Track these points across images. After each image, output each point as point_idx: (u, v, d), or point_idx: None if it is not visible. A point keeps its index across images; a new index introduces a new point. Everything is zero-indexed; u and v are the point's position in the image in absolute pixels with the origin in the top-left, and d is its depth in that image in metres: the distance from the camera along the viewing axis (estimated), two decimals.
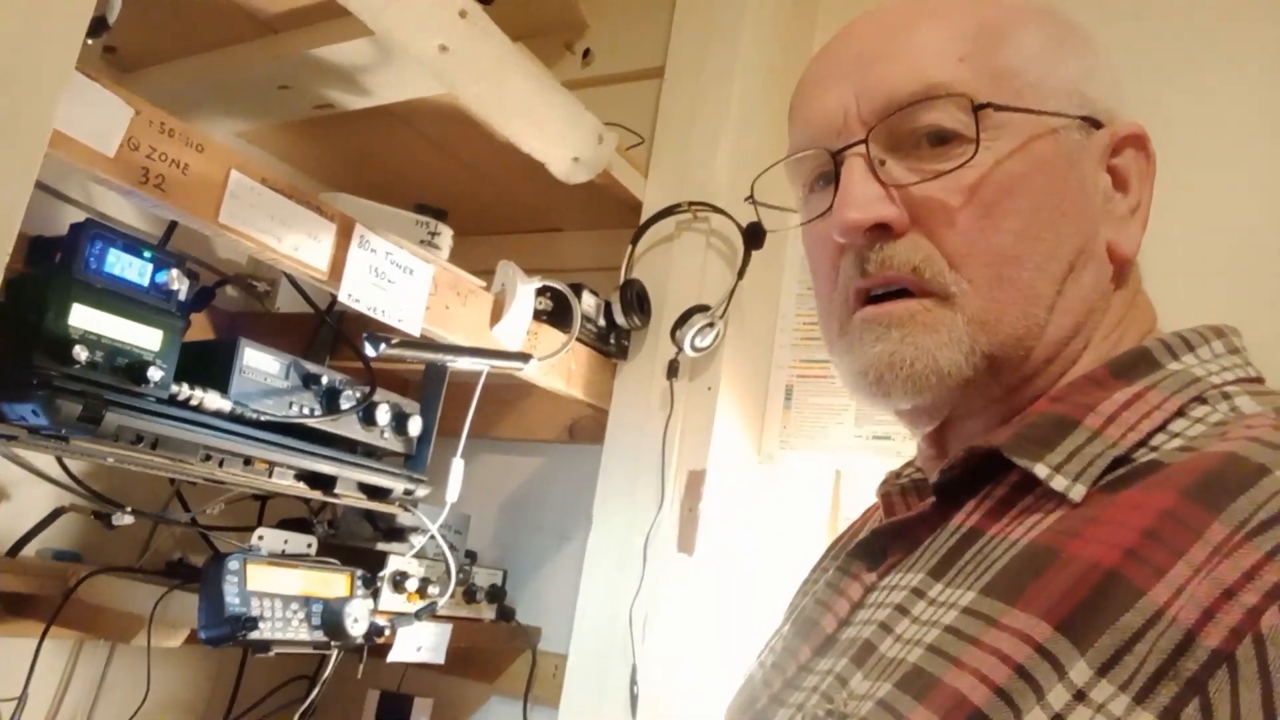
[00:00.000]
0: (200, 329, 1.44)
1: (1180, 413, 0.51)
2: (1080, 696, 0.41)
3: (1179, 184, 0.83)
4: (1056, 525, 0.48)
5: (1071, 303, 0.56)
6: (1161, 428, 0.50)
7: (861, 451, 1.41)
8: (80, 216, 1.01)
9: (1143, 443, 0.50)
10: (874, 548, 0.60)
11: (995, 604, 0.46)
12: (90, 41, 0.77)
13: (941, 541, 0.54)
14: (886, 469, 0.71)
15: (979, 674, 0.44)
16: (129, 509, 1.22)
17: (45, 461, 1.25)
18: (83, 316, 0.87)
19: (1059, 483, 0.49)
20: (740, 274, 1.43)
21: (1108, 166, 0.59)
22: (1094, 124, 0.58)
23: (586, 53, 1.73)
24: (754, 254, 1.43)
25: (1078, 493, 0.49)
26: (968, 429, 0.60)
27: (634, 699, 1.32)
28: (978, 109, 0.54)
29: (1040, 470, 0.50)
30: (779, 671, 0.60)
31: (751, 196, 0.71)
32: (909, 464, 0.69)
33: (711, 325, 1.39)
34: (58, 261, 0.88)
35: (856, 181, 0.56)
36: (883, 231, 0.56)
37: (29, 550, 1.26)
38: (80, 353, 0.84)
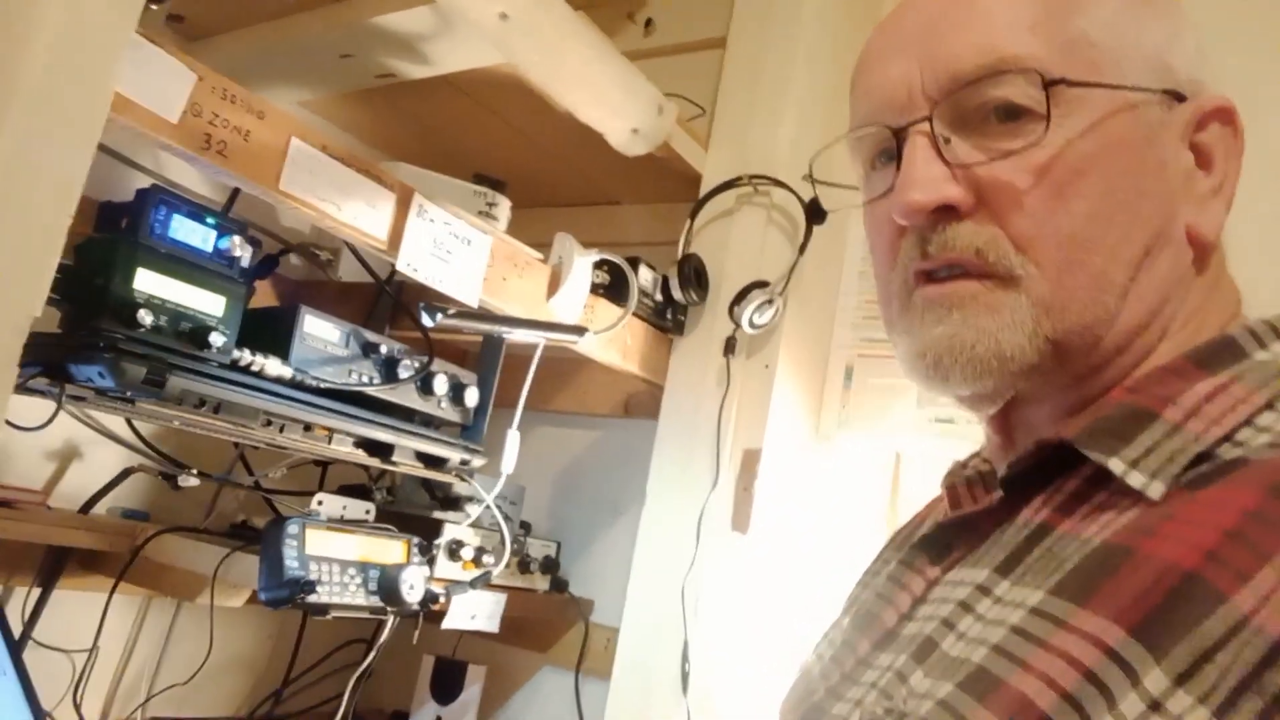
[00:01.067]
0: (265, 296, 1.46)
1: (1270, 406, 0.47)
2: (1156, 707, 0.39)
3: (1270, 159, 0.78)
4: (1132, 524, 0.46)
5: (1146, 289, 0.53)
6: (1248, 422, 0.47)
7: (924, 434, 1.38)
8: (149, 183, 1.03)
9: (1227, 438, 0.47)
10: (939, 541, 0.58)
11: (1065, 604, 0.44)
12: (154, 7, 0.78)
13: (1009, 537, 0.52)
14: (949, 453, 0.68)
15: (1046, 677, 0.42)
16: (195, 471, 1.25)
17: (116, 423, 1.29)
18: (148, 281, 0.88)
19: (1136, 479, 0.47)
20: (801, 250, 1.40)
21: (1190, 143, 0.55)
22: (1177, 97, 0.54)
23: (648, 22, 1.70)
24: (816, 229, 1.40)
25: (1156, 490, 0.46)
26: (1035, 417, 0.57)
27: (685, 676, 1.31)
28: (1050, 84, 0.51)
29: (1115, 465, 0.48)
30: (837, 665, 0.58)
31: (810, 174, 0.69)
32: (975, 454, 0.67)
33: (770, 302, 1.36)
34: (124, 226, 0.89)
35: (920, 161, 0.53)
36: (946, 213, 0.53)
37: (100, 508, 1.30)
38: (145, 317, 0.86)
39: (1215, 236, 0.55)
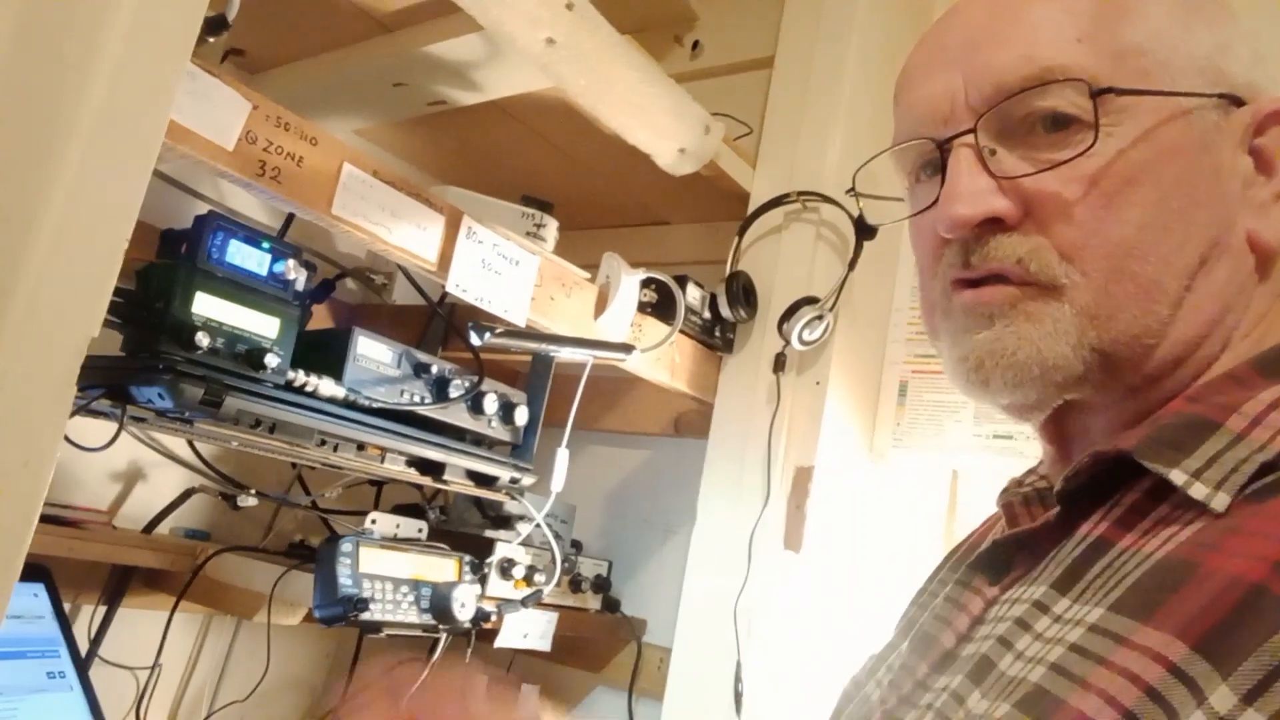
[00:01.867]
0: (321, 320, 1.50)
1: None
2: None
3: None
4: (1195, 537, 0.44)
5: (1203, 299, 0.51)
6: None
7: (981, 452, 1.35)
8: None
9: None
10: (996, 560, 0.56)
11: (1126, 621, 0.42)
12: (212, 40, 0.81)
13: (1067, 552, 0.50)
14: (1008, 470, 0.67)
15: (1106, 695, 0.40)
16: (253, 491, 1.28)
17: (178, 445, 1.32)
18: (205, 304, 0.91)
19: (1199, 491, 0.45)
20: (851, 265, 1.39)
21: (1250, 148, 0.53)
22: (1234, 101, 0.53)
23: (696, 45, 1.71)
24: (866, 245, 1.39)
25: (1220, 502, 0.44)
26: (1091, 429, 0.56)
27: (738, 696, 1.30)
28: (1097, 94, 0.50)
29: (1176, 477, 0.46)
30: (895, 689, 0.57)
31: (854, 189, 0.68)
32: (1031, 470, 0.65)
33: (820, 318, 1.35)
34: (183, 252, 0.92)
35: (964, 173, 0.53)
36: (992, 225, 0.52)
37: (163, 528, 1.34)
38: (202, 339, 0.88)
39: (1277, 242, 0.53)
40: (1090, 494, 0.51)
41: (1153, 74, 0.52)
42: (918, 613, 0.67)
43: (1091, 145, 0.50)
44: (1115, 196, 0.50)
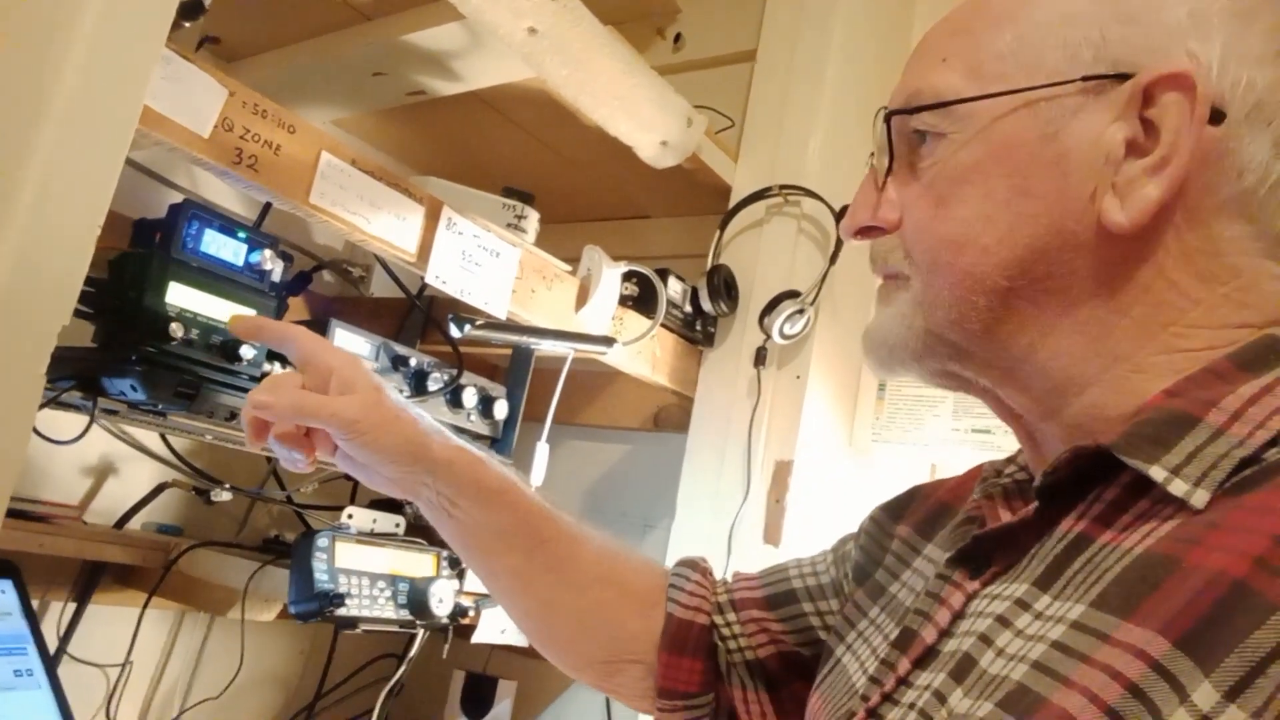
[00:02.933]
0: (298, 312, 1.47)
1: None
2: None
3: None
4: (1176, 533, 0.44)
5: (1045, 290, 0.52)
6: None
7: (959, 445, 1.36)
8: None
9: (1273, 441, 0.45)
10: (976, 553, 0.56)
11: (1107, 618, 0.42)
12: (187, 25, 0.79)
13: (1048, 549, 0.50)
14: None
15: (1088, 693, 0.40)
16: (227, 486, 1.26)
17: (150, 439, 1.30)
18: (179, 295, 0.89)
19: (1178, 487, 0.45)
20: (832, 259, 1.39)
21: (1142, 120, 0.51)
22: (1117, 79, 0.51)
23: (678, 38, 1.71)
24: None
25: (1200, 499, 0.44)
26: (1031, 423, 0.57)
27: None
28: (939, 106, 0.55)
29: (1157, 473, 0.46)
30: (876, 685, 0.57)
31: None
32: (1011, 460, 0.65)
33: (801, 312, 1.35)
34: (157, 241, 0.90)
35: (861, 188, 0.60)
36: (876, 230, 0.59)
37: (134, 523, 1.31)
38: (176, 330, 0.87)
39: (1132, 220, 0.50)
40: (1070, 488, 0.51)
41: (1011, 75, 0.53)
42: (887, 578, 0.67)
43: (941, 154, 0.55)
44: (947, 196, 0.55)
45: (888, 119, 0.58)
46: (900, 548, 0.69)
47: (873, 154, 0.61)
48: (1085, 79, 0.52)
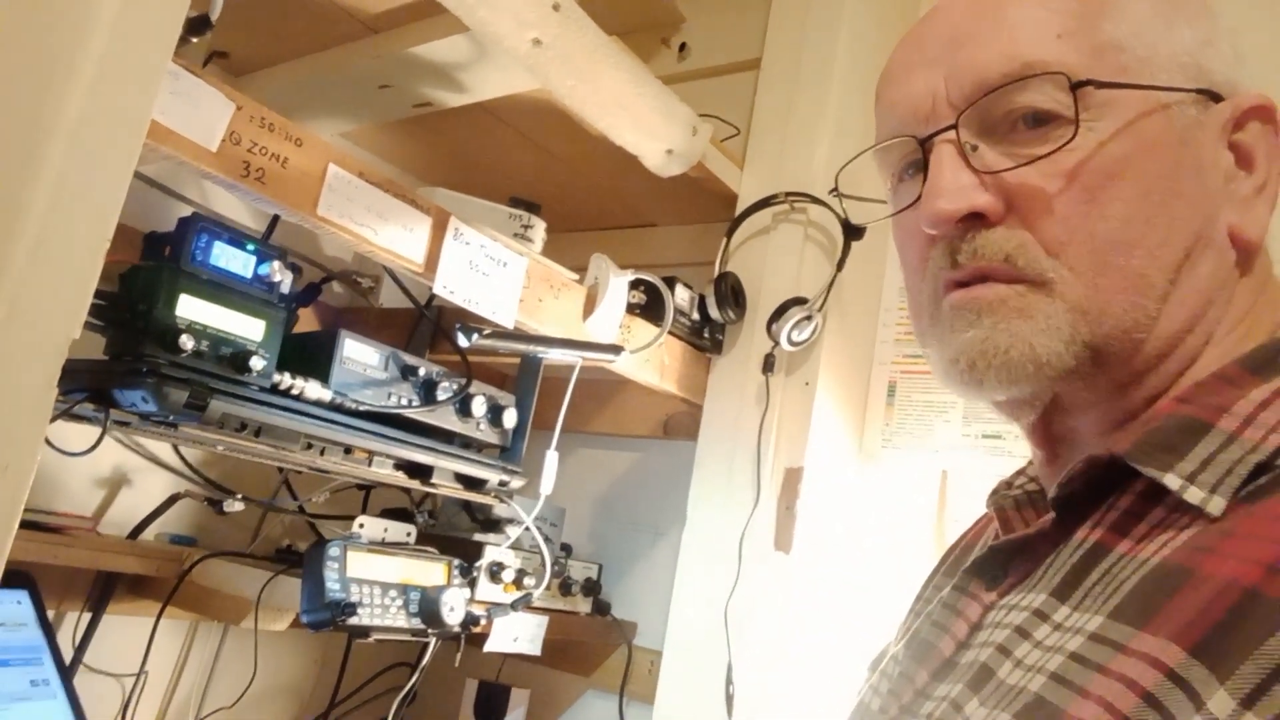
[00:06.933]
0: (308, 323, 1.49)
1: None
2: None
3: None
4: (1191, 541, 0.44)
5: (1186, 293, 0.51)
6: None
7: (970, 451, 1.35)
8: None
9: None
10: (993, 565, 0.56)
11: (1123, 628, 0.42)
12: (195, 40, 0.80)
13: (1064, 559, 0.50)
14: (997, 469, 0.67)
15: (1104, 702, 0.40)
16: (239, 496, 1.27)
17: (163, 451, 1.31)
18: (189, 307, 0.90)
19: (1194, 495, 0.45)
20: (840, 266, 1.39)
21: (1230, 143, 0.53)
22: (1213, 97, 0.53)
23: (683, 47, 1.71)
24: (854, 245, 1.39)
25: (1216, 506, 0.44)
26: (1079, 429, 0.55)
27: (730, 698, 1.30)
28: (1076, 87, 0.50)
29: (1171, 481, 0.46)
30: (895, 698, 0.57)
31: (836, 189, 0.68)
32: (1020, 472, 0.65)
33: (809, 318, 1.35)
34: (167, 254, 0.91)
35: (946, 169, 0.52)
36: (975, 221, 0.52)
37: (148, 534, 1.32)
38: (187, 341, 0.88)
39: (1260, 237, 0.53)
40: (1084, 497, 0.51)
41: (1132, 69, 0.51)
42: (913, 619, 0.67)
43: (1071, 139, 0.50)
44: (1097, 191, 0.50)
45: (998, 85, 0.51)
46: (931, 594, 0.67)
47: (950, 129, 0.52)
48: (1199, 91, 0.52)
